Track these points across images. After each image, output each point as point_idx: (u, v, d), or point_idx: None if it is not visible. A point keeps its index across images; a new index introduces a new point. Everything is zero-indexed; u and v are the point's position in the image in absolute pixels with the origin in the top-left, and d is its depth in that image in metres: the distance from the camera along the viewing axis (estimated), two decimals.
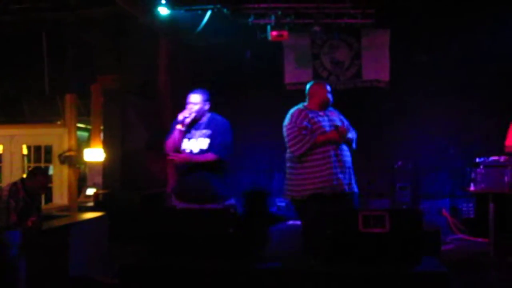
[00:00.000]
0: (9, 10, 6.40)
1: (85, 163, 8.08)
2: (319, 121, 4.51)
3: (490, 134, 7.48)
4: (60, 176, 7.87)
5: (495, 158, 5.94)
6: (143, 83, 7.16)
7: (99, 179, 7.27)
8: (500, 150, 6.69)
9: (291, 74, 7.69)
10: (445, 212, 7.52)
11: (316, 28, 6.75)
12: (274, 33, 6.47)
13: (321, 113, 4.59)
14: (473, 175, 5.98)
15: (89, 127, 8.33)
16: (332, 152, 4.50)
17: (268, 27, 6.56)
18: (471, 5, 7.06)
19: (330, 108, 4.74)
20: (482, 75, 7.33)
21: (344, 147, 4.55)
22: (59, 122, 8.10)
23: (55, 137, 8.03)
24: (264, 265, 3.38)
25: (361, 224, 3.27)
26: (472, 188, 6.04)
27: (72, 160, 7.46)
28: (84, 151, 7.70)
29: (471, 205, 7.35)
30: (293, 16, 6.72)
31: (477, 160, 6.01)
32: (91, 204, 6.87)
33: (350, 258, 3.26)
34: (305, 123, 4.49)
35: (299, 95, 7.60)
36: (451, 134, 7.67)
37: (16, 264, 4.15)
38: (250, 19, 6.72)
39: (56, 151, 7.88)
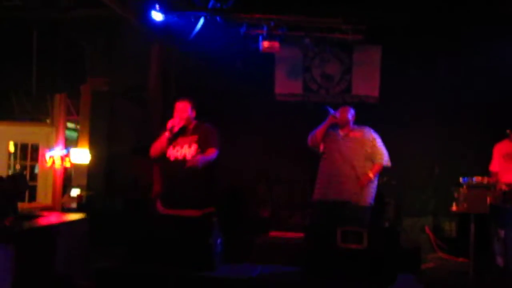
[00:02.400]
0: (0, 6, 6.38)
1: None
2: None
3: (476, 155, 7.54)
4: (45, 175, 7.81)
5: (479, 179, 5.99)
6: (133, 87, 7.15)
7: (84, 181, 7.24)
8: (485, 172, 6.76)
9: (281, 85, 7.70)
10: (428, 230, 7.54)
11: (306, 40, 6.80)
12: (266, 43, 6.51)
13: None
14: (456, 195, 6.03)
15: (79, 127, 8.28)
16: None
17: (260, 38, 6.59)
18: (458, 25, 7.13)
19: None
20: (469, 95, 7.39)
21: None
22: (48, 121, 8.05)
23: (43, 135, 7.96)
24: (240, 275, 3.39)
25: (339, 240, 3.29)
26: (454, 208, 6.09)
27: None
28: (71, 151, 7.66)
29: (453, 224, 7.38)
30: (285, 28, 6.75)
31: (461, 180, 6.06)
32: (74, 205, 6.83)
33: (327, 273, 3.28)
34: None
35: (289, 106, 7.71)
36: (438, 153, 7.70)
37: None
38: (243, 29, 6.75)
39: (42, 150, 7.82)
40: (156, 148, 4.45)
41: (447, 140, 7.74)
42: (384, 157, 5.42)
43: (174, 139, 4.41)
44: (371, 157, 5.36)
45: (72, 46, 6.67)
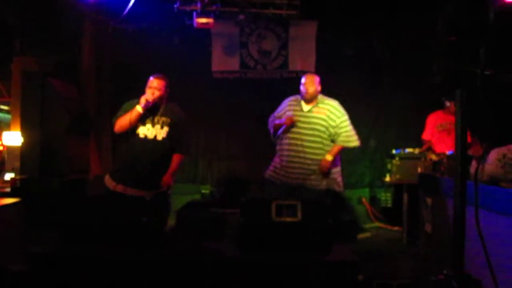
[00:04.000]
0: None
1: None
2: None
3: (409, 127, 7.79)
4: None
5: (410, 150, 6.22)
6: (65, 65, 6.94)
7: (18, 164, 7.01)
8: (418, 143, 7.00)
9: (218, 62, 7.66)
10: (364, 201, 7.78)
11: (241, 17, 6.78)
12: (200, 20, 6.44)
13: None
14: (389, 166, 6.25)
15: None
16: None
17: (194, 14, 6.51)
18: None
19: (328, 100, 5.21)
20: (403, 70, 7.58)
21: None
22: None
23: None
24: (177, 253, 3.40)
25: (274, 213, 3.35)
26: (387, 178, 6.32)
27: None
28: (3, 134, 7.40)
29: (389, 194, 7.63)
30: (220, 4, 6.70)
31: (394, 152, 6.27)
32: (8, 189, 6.62)
33: (262, 247, 3.33)
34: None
35: (226, 84, 7.70)
36: (372, 126, 7.90)
37: None
38: (176, 5, 6.64)
39: None
40: (124, 123, 4.29)
41: (381, 113, 7.96)
42: (350, 138, 5.24)
43: (144, 115, 4.29)
44: (333, 138, 5.19)
45: None
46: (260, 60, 7.70)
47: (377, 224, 7.36)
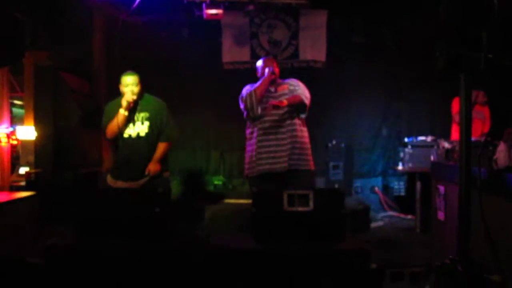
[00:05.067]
0: None
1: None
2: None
3: (421, 115, 7.76)
4: None
5: (423, 138, 6.19)
6: (77, 60, 6.97)
7: (32, 158, 7.09)
8: (430, 131, 6.96)
9: (228, 53, 7.65)
10: (377, 190, 7.77)
11: (251, 7, 6.75)
12: (209, 11, 6.42)
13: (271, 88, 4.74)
14: (401, 154, 6.22)
15: None
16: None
17: (203, 5, 6.50)
18: None
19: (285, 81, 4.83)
20: (416, 59, 7.52)
21: (286, 125, 4.62)
22: None
23: None
24: (191, 244, 3.42)
25: (285, 203, 3.35)
26: (400, 167, 6.30)
27: None
28: (17, 128, 7.48)
29: (402, 183, 7.62)
30: None
31: (406, 140, 6.25)
32: (23, 183, 6.70)
33: (274, 237, 3.34)
34: None
35: (237, 75, 7.69)
36: (384, 115, 7.88)
37: None
38: None
39: None
40: (113, 129, 4.29)
41: (394, 102, 7.92)
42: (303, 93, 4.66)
43: (128, 115, 4.28)
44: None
45: (8, 19, 6.43)
46: (271, 50, 7.67)
47: (390, 213, 7.35)
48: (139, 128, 4.33)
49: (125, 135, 4.33)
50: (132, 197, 3.59)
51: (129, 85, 4.26)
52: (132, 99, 4.23)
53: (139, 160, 4.35)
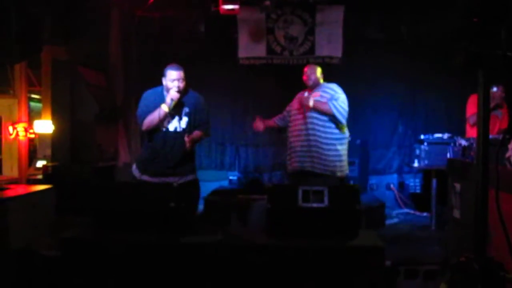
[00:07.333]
0: None
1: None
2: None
3: (437, 112, 7.69)
4: (10, 148, 7.70)
5: (439, 135, 6.14)
6: (94, 54, 7.02)
7: (49, 151, 7.16)
8: (447, 128, 6.89)
9: (244, 48, 7.65)
10: (393, 187, 7.73)
11: (267, 3, 6.74)
12: (226, 6, 6.41)
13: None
14: (417, 151, 6.18)
15: None
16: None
17: (220, 0, 6.49)
18: None
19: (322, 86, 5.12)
20: (433, 56, 7.44)
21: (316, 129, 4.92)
22: (11, 92, 7.88)
23: (5, 107, 7.81)
24: (205, 238, 3.43)
25: (300, 199, 3.35)
26: (416, 164, 6.25)
27: None
28: (34, 122, 7.56)
29: (417, 180, 7.57)
30: None
31: (422, 137, 6.20)
32: (40, 176, 6.77)
33: (289, 232, 3.34)
34: None
35: (252, 70, 7.70)
36: (400, 112, 7.82)
37: None
38: None
39: (5, 122, 7.69)
40: (152, 123, 4.11)
41: (409, 98, 7.86)
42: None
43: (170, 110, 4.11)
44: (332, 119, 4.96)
45: (25, 15, 6.48)
46: (287, 46, 7.66)
47: (405, 210, 7.31)
48: (178, 122, 4.18)
49: (162, 128, 4.17)
50: (147, 191, 3.62)
51: (175, 80, 4.07)
52: (176, 97, 4.05)
53: (171, 155, 4.19)
